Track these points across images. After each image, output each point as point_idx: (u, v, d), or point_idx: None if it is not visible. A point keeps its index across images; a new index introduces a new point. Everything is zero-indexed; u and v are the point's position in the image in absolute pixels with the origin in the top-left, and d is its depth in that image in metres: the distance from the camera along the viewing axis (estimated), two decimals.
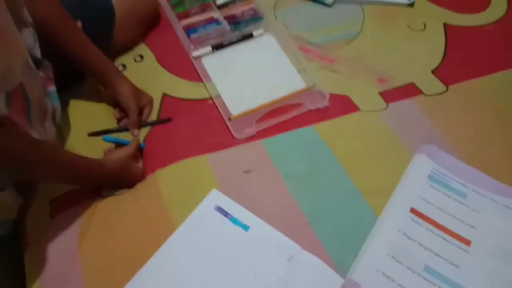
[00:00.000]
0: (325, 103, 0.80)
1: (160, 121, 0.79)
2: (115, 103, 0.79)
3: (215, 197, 0.68)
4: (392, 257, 0.63)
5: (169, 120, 0.79)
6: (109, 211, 0.69)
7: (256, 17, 0.92)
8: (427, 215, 0.67)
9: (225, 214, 0.66)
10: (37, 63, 0.69)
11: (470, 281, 0.61)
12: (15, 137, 0.55)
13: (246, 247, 0.64)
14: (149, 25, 0.91)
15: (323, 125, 0.78)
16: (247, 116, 0.78)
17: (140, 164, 0.72)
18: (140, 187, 0.71)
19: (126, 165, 0.69)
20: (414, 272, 0.62)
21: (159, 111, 0.81)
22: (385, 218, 0.67)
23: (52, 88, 0.73)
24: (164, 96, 0.83)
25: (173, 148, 0.75)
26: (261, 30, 0.90)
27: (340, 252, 0.63)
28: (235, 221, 0.66)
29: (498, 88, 0.84)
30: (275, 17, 0.94)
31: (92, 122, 0.79)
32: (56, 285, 0.62)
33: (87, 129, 0.78)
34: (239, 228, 0.65)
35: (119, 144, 0.75)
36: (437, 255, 0.63)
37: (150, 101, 0.81)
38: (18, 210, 0.70)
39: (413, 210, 0.68)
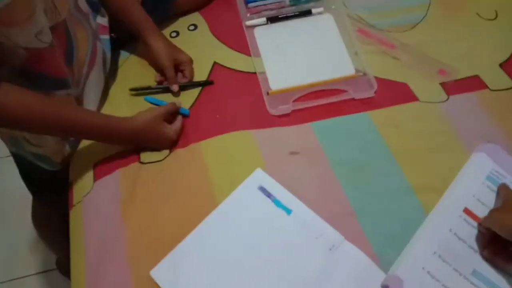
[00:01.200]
0: (371, 94, 0.76)
1: (201, 83, 0.78)
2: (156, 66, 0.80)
3: (259, 176, 0.66)
4: (439, 256, 0.60)
5: (211, 82, 0.78)
6: (151, 179, 0.69)
7: None
8: (481, 217, 0.63)
9: (268, 195, 0.65)
10: (94, 8, 0.70)
11: None
12: (11, 94, 0.56)
13: (287, 231, 0.62)
14: None
15: (378, 113, 0.74)
16: (285, 94, 0.76)
17: (174, 127, 0.71)
18: (183, 156, 0.71)
19: (154, 125, 0.68)
20: (461, 275, 0.59)
21: (208, 77, 0.80)
22: (436, 215, 0.63)
23: (106, 36, 0.76)
24: (215, 64, 0.82)
25: (219, 119, 0.74)
26: (321, 8, 0.86)
27: (385, 248, 0.60)
28: (278, 203, 0.64)
29: None
30: None
31: (138, 81, 0.80)
32: (99, 248, 0.63)
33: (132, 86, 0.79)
34: (281, 211, 0.64)
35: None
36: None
37: (188, 60, 0.80)
38: (64, 158, 0.74)
39: (466, 210, 0.64)
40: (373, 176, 0.67)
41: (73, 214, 0.69)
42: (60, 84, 0.66)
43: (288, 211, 0.64)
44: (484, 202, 0.65)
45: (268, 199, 0.65)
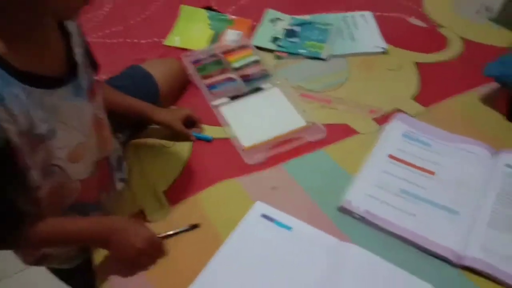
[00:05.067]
0: (322, 135, 0.97)
1: (189, 228, 0.80)
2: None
3: (260, 207, 0.82)
4: (376, 185, 0.85)
5: (197, 226, 0.81)
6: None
7: (265, 75, 1.12)
8: (401, 158, 0.90)
9: (270, 219, 0.80)
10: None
11: (434, 197, 0.83)
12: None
13: (291, 244, 0.77)
14: (183, 90, 1.10)
15: (331, 147, 0.95)
16: (257, 147, 0.95)
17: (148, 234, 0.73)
18: (183, 209, 0.84)
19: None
20: (392, 193, 0.84)
21: (190, 151, 0.96)
22: (369, 163, 0.90)
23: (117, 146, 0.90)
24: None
25: (207, 175, 0.90)
26: (269, 84, 1.10)
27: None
28: (279, 223, 0.80)
29: (464, 104, 1.05)
30: (278, 74, 1.15)
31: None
32: None
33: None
34: (283, 229, 0.79)
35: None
36: (409, 182, 0.86)
37: (188, 111, 0.98)
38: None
39: (391, 156, 0.91)
40: (336, 193, 0.85)
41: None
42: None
43: (289, 228, 0.79)
44: (402, 150, 0.93)
45: (270, 222, 0.80)
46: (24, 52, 0.58)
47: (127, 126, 0.97)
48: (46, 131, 0.62)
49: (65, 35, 0.68)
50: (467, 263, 0.72)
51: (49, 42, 0.64)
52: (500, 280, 0.70)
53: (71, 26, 0.69)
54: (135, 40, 1.30)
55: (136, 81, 1.00)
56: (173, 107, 1.05)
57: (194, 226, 0.81)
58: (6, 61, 0.55)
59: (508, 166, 0.86)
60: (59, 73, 0.65)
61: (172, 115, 0.97)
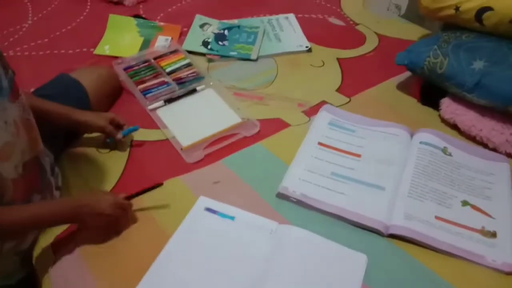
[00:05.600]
0: (256, 130, 1.03)
1: (151, 188, 0.85)
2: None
3: (203, 201, 0.86)
4: (308, 170, 0.92)
5: (161, 184, 0.85)
6: (104, 237, 0.81)
7: (198, 77, 1.16)
8: (329, 144, 0.99)
9: (214, 211, 0.84)
10: None
11: (362, 176, 0.91)
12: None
13: (235, 232, 0.81)
14: (116, 96, 1.11)
15: (266, 141, 1.01)
16: (195, 146, 0.98)
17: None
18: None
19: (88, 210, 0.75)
20: (324, 176, 0.91)
21: (129, 152, 0.98)
22: (301, 151, 0.97)
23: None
24: (133, 141, 1.01)
25: (149, 175, 0.92)
26: (203, 86, 1.14)
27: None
28: (222, 215, 0.83)
29: (383, 92, 1.16)
30: (211, 76, 1.19)
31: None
32: None
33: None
34: (227, 219, 0.83)
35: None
36: (338, 165, 0.94)
37: (112, 115, 0.96)
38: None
39: (320, 143, 0.99)
40: (274, 182, 0.90)
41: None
42: None
43: (232, 218, 0.83)
44: (329, 137, 1.00)
45: (214, 215, 0.83)
46: None
47: (59, 136, 0.97)
48: None
49: None
50: (393, 231, 0.81)
51: None
52: (422, 243, 0.79)
53: None
54: (62, 51, 1.28)
55: (64, 89, 0.99)
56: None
57: (157, 185, 0.85)
58: None
59: (422, 143, 0.96)
60: None
61: (96, 115, 0.95)
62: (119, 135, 0.96)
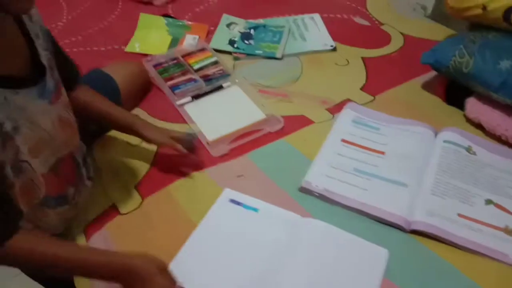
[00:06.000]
0: (280, 126, 1.04)
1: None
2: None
3: (228, 193, 0.89)
4: (331, 166, 0.94)
5: None
6: (134, 224, 0.86)
7: (224, 75, 1.19)
8: (353, 142, 1.00)
9: (238, 203, 0.87)
10: None
11: (385, 173, 0.92)
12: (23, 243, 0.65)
13: (259, 223, 0.83)
14: (145, 92, 1.15)
15: (290, 137, 1.03)
16: (220, 141, 1.01)
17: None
18: (156, 200, 0.89)
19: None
20: (347, 172, 0.93)
21: (157, 149, 1.00)
22: (325, 147, 0.99)
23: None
24: None
25: (175, 169, 0.95)
26: (228, 83, 1.17)
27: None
28: (246, 206, 0.86)
29: (407, 91, 1.16)
30: (237, 73, 1.22)
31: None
32: None
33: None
34: (251, 211, 0.85)
35: None
36: (361, 161, 0.95)
37: (173, 133, 0.92)
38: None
39: (343, 140, 1.00)
40: (297, 176, 0.92)
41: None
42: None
43: (256, 210, 0.85)
44: (353, 134, 1.01)
45: (238, 206, 0.86)
46: None
47: (91, 127, 1.00)
48: (11, 128, 0.64)
49: (29, 39, 0.71)
50: (415, 227, 0.81)
51: (11, 44, 0.67)
52: (443, 238, 0.80)
53: (34, 30, 0.73)
54: (95, 48, 1.33)
55: (96, 83, 1.01)
56: (138, 110, 1.10)
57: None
58: None
59: (446, 141, 0.97)
60: (25, 74, 0.68)
61: (160, 133, 0.91)
62: (179, 147, 0.91)
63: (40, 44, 0.73)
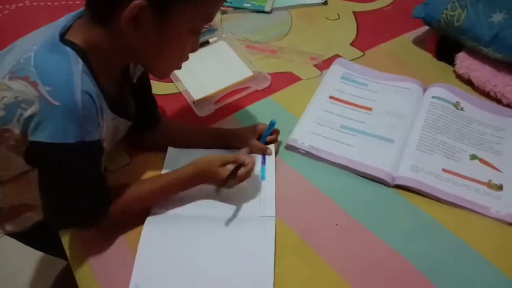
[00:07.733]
0: (267, 84, 1.03)
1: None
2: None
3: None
4: (318, 123, 0.93)
5: None
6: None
7: (211, 29, 1.16)
8: (340, 98, 0.99)
9: None
10: None
11: (372, 129, 0.92)
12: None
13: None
14: None
15: (277, 95, 1.01)
16: (206, 100, 0.99)
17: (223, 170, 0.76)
18: (144, 160, 0.87)
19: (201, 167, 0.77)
20: (333, 129, 0.92)
21: None
22: (312, 105, 0.97)
23: None
24: None
25: None
26: (215, 38, 1.14)
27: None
28: None
29: (398, 47, 1.14)
30: (224, 28, 1.19)
31: None
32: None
33: None
34: None
35: None
36: (348, 118, 0.94)
37: (258, 127, 0.88)
38: None
39: (331, 97, 0.99)
40: (286, 135, 0.90)
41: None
42: None
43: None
44: (341, 90, 1.00)
45: None
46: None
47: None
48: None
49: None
50: (399, 181, 0.82)
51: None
52: (427, 193, 0.80)
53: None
54: (78, 2, 1.29)
55: None
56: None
57: None
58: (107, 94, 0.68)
59: (434, 97, 0.96)
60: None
61: (246, 136, 0.87)
62: (269, 151, 0.87)
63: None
